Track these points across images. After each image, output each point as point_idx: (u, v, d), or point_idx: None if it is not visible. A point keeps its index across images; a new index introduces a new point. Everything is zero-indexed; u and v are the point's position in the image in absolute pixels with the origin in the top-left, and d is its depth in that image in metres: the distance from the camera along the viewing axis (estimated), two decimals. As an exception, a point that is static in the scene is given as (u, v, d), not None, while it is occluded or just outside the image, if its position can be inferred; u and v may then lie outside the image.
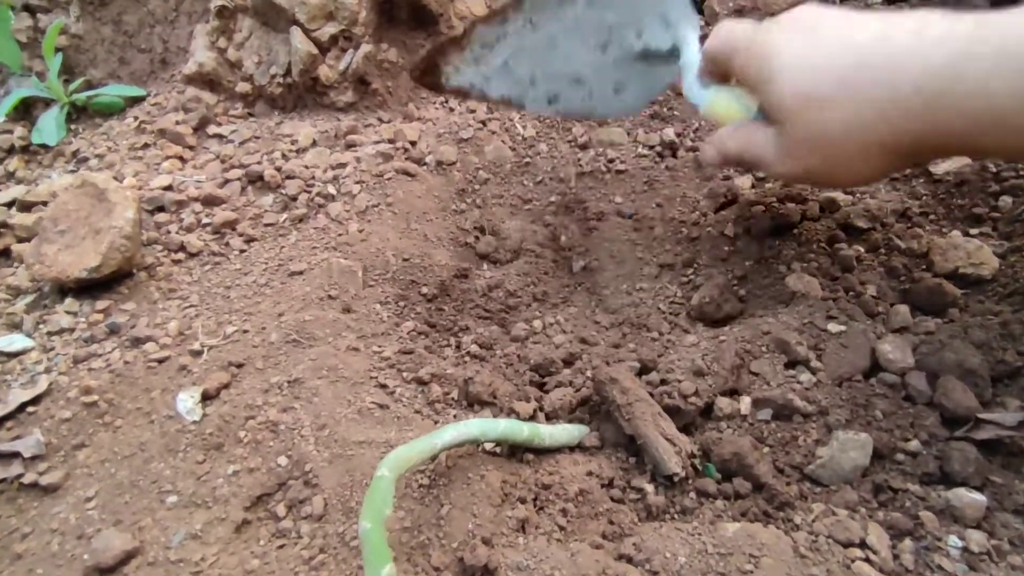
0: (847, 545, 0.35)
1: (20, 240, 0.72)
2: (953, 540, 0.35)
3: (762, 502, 0.39)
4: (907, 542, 0.35)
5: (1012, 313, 0.44)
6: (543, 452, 0.43)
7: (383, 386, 0.47)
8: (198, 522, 0.38)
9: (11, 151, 0.86)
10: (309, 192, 0.73)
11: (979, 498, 0.36)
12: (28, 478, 0.43)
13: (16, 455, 0.45)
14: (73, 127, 0.89)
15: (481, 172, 0.73)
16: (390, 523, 0.35)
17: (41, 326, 0.59)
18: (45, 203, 0.76)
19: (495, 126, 0.77)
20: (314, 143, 0.79)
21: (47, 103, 0.90)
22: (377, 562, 0.30)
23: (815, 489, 0.39)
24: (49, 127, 0.85)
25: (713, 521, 0.38)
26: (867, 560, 0.34)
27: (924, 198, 0.57)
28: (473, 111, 0.80)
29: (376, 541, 0.30)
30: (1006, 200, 0.54)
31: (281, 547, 0.36)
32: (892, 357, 0.44)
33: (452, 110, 0.82)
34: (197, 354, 0.52)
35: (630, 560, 0.35)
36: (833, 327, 0.46)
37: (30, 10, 0.93)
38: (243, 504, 0.39)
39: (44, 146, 0.85)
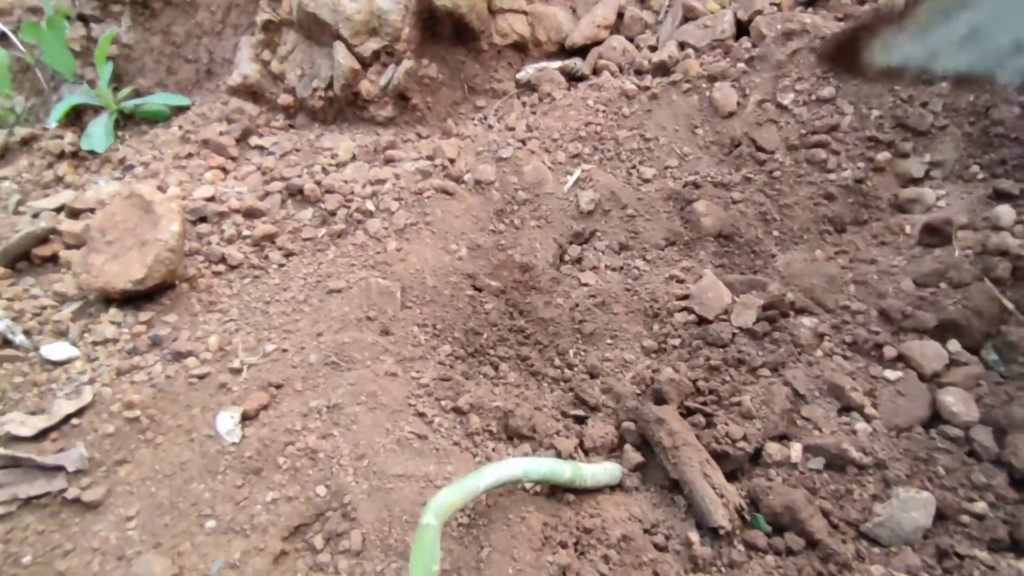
0: (910, 615, 0.33)
1: (68, 247, 0.73)
2: (1026, 616, 0.32)
3: (817, 561, 0.37)
4: (975, 615, 0.33)
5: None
6: (584, 492, 0.42)
7: (421, 415, 0.46)
8: (236, 550, 0.38)
9: (61, 156, 0.88)
10: (348, 207, 0.73)
11: (1054, 571, 0.34)
12: (71, 493, 0.44)
13: (60, 469, 0.45)
14: (120, 134, 0.91)
15: (520, 193, 0.72)
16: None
17: (86, 335, 0.60)
18: (92, 210, 0.77)
19: (534, 145, 0.77)
20: (353, 157, 0.79)
21: (96, 110, 0.92)
22: None
23: (873, 549, 0.37)
24: (98, 134, 0.87)
25: (763, 578, 0.36)
26: (932, 634, 0.32)
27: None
28: (512, 129, 0.80)
29: None
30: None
31: (319, 582, 0.36)
32: (955, 410, 0.41)
33: (491, 127, 0.81)
34: (237, 372, 0.52)
35: (678, 618, 0.33)
36: (890, 373, 0.44)
37: (84, 20, 0.95)
38: (281, 534, 0.38)
39: (92, 152, 0.87)
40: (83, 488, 0.44)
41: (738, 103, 0.76)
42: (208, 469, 0.44)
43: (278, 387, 0.49)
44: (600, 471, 0.42)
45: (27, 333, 0.60)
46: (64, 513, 0.43)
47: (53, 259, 0.73)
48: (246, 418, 0.47)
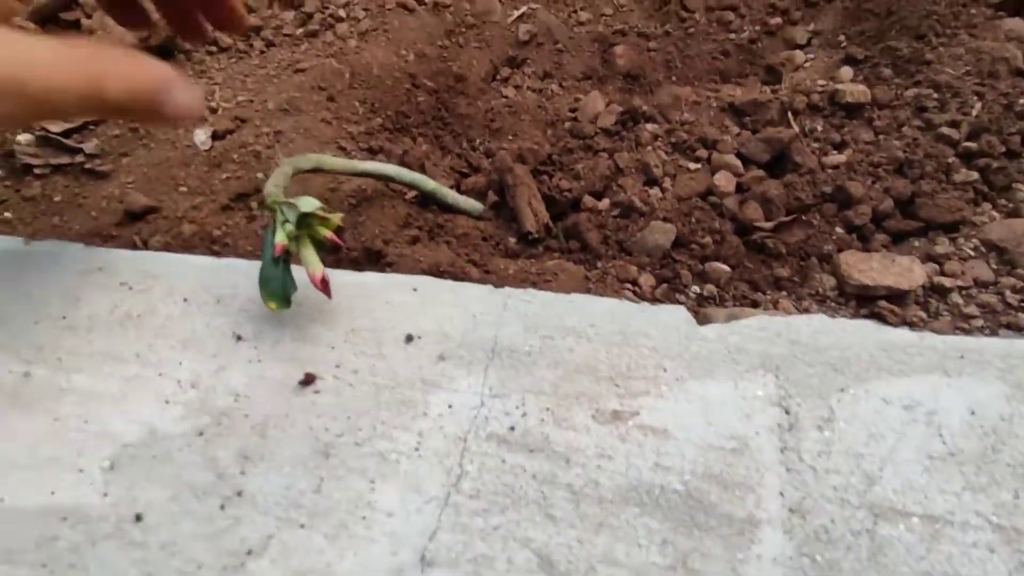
0: (623, 280, 0.50)
1: (87, 16, 0.87)
2: None
3: (590, 260, 0.54)
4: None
5: None
6: (448, 210, 0.58)
7: (343, 149, 0.62)
8: (197, 200, 0.55)
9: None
10: (323, 13, 0.86)
11: None
12: (88, 166, 0.61)
13: (80, 150, 0.62)
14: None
15: (469, 18, 0.84)
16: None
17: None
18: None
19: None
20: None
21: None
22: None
23: (625, 256, 0.54)
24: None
25: (544, 261, 0.53)
26: (634, 291, 0.49)
27: None
28: (476, -36, 0.90)
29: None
30: None
31: (248, 222, 0.53)
32: (719, 185, 0.57)
33: (459, -39, 0.92)
34: (213, 111, 0.68)
35: (475, 263, 0.51)
36: (692, 165, 0.60)
37: None
38: (229, 197, 0.56)
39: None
40: (97, 165, 0.62)
41: (674, -36, 0.85)
42: (184, 162, 0.61)
43: (242, 121, 0.65)
44: (461, 198, 0.59)
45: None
46: (83, 178, 0.61)
47: (76, 24, 0.87)
48: (215, 137, 0.64)
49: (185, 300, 0.34)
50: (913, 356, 0.27)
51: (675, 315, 0.31)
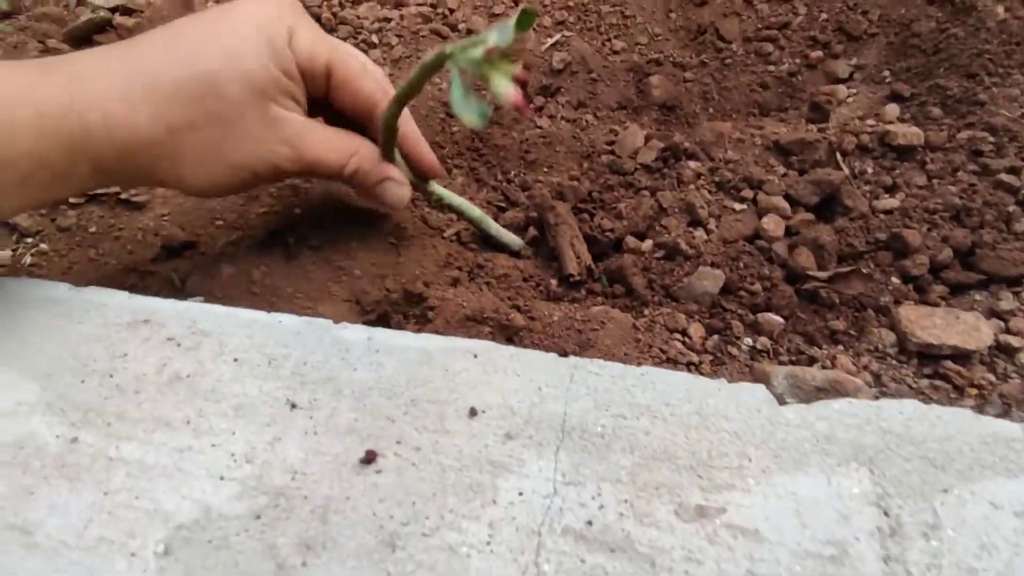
0: (671, 330, 0.48)
1: (121, 38, 0.87)
2: None
3: (631, 302, 0.53)
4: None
5: None
6: (487, 243, 0.57)
7: (380, 183, 0.61)
8: (234, 235, 0.54)
9: (117, -37, 1.00)
10: (356, 38, 0.85)
11: None
12: (123, 195, 0.61)
13: (115, 180, 0.62)
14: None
15: (503, 45, 0.84)
16: (364, 262, 0.51)
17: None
18: (142, 11, 0.90)
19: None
20: (366, -6, 0.90)
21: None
22: None
23: (671, 302, 0.53)
24: (150, -54, 0.98)
25: (589, 306, 0.52)
26: (683, 339, 0.48)
27: None
28: (510, -9, 0.89)
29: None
30: None
31: (287, 260, 0.52)
32: (768, 229, 0.55)
33: (492, -13, 0.91)
34: (248, 140, 0.67)
35: (518, 308, 0.49)
36: (737, 205, 0.58)
37: None
38: (266, 232, 0.55)
39: (145, -37, 0.98)
40: (132, 195, 0.61)
41: (711, -7, 0.84)
42: (221, 194, 0.60)
43: (278, 151, 0.65)
44: (504, 232, 0.58)
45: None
46: (118, 208, 0.60)
47: (109, 46, 0.87)
48: (252, 168, 0.63)
49: (236, 360, 0.33)
50: (1020, 453, 0.25)
51: (755, 394, 0.29)
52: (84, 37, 0.87)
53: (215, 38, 0.36)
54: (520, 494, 0.26)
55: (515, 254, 0.59)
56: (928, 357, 0.45)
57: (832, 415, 0.27)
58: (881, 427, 0.26)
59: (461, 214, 0.56)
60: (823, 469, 0.25)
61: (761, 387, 0.29)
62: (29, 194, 0.34)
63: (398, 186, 0.46)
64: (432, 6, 0.88)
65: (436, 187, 0.54)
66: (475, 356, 0.32)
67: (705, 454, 0.26)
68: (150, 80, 0.34)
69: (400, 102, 0.40)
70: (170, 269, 0.51)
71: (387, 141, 0.43)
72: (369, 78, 0.43)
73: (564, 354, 0.46)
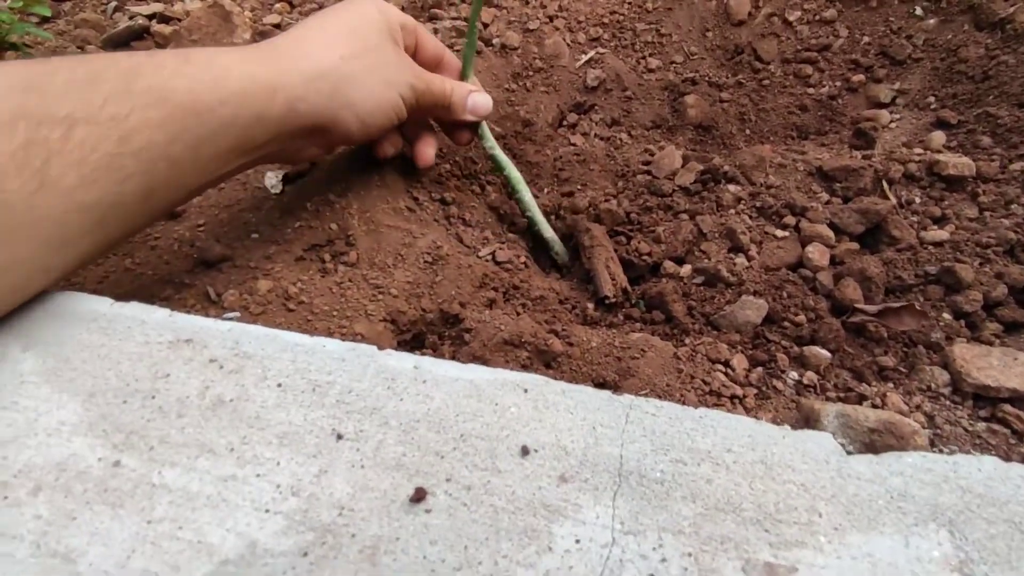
0: (714, 361, 0.47)
1: (158, 45, 0.88)
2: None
3: (670, 330, 0.51)
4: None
5: None
6: (536, 241, 0.57)
7: (415, 199, 0.61)
8: (270, 249, 0.54)
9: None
10: (390, 51, 0.85)
11: None
12: (159, 205, 0.61)
13: (152, 189, 0.62)
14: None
15: (537, 61, 0.83)
16: (400, 281, 0.50)
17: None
18: (179, 19, 0.91)
19: (560, 24, 0.86)
20: (403, 8, 0.90)
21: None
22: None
23: (712, 331, 0.51)
24: (189, -45, 0.99)
25: (627, 332, 0.51)
26: (725, 371, 0.46)
27: None
28: (545, 7, 0.89)
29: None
30: None
31: (323, 276, 0.52)
32: (813, 258, 0.54)
33: (527, 2, 0.91)
34: (283, 151, 0.67)
35: (556, 333, 0.48)
36: (779, 232, 0.57)
37: None
38: (302, 247, 0.54)
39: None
40: (167, 204, 0.61)
41: (749, 13, 0.83)
42: (255, 206, 0.60)
43: (312, 164, 0.64)
44: (555, 238, 0.58)
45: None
46: (153, 217, 0.60)
47: (147, 53, 0.88)
48: (286, 181, 0.63)
49: (279, 386, 0.32)
50: (1113, 521, 0.23)
51: (822, 444, 0.28)
52: (122, 43, 0.88)
53: (344, 8, 0.49)
54: (577, 541, 0.25)
55: (552, 259, 0.58)
56: (984, 399, 0.43)
57: (906, 470, 0.25)
58: (960, 485, 0.25)
59: (502, 171, 0.60)
60: (899, 529, 0.23)
61: (828, 436, 0.27)
62: (231, 144, 0.43)
63: (482, 95, 0.58)
64: (466, 20, 0.88)
65: (487, 134, 0.61)
66: (525, 391, 0.31)
67: (772, 507, 0.25)
68: (315, 32, 0.47)
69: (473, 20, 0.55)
70: (206, 282, 0.51)
71: (465, 65, 0.58)
72: (434, 39, 0.58)
73: (604, 383, 0.45)
